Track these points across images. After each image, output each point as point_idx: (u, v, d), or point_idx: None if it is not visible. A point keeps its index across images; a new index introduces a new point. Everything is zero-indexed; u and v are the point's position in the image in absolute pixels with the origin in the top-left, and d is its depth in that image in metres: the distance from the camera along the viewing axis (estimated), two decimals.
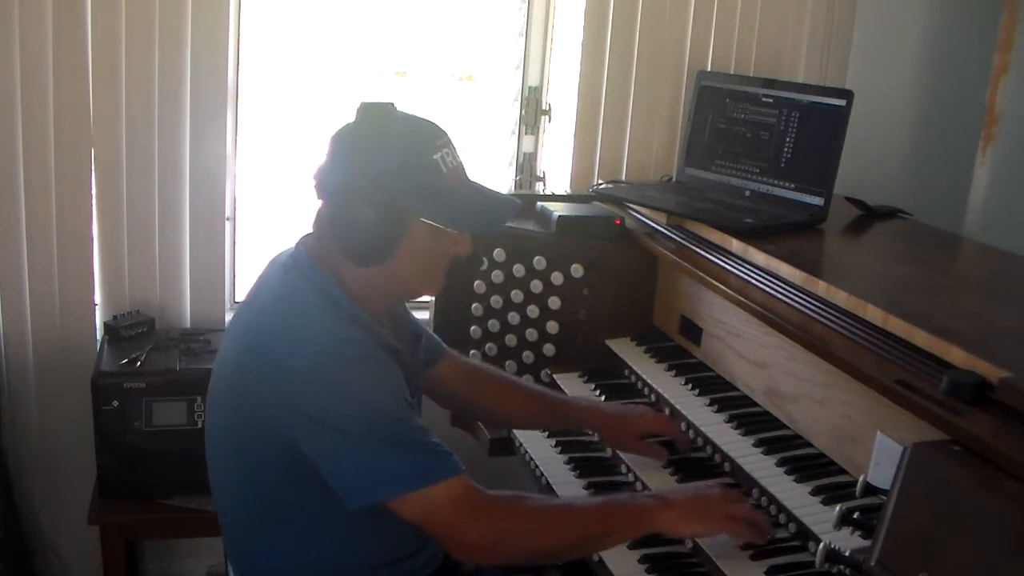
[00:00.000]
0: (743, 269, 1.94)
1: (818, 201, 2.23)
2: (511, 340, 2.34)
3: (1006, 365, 1.37)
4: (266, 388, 1.47)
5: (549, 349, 2.32)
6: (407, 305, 1.83)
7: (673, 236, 2.18)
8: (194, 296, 2.54)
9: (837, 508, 1.38)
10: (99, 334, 2.46)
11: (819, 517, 1.53)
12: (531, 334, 2.32)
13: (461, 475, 1.48)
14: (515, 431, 2.11)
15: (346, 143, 1.53)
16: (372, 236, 1.49)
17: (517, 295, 2.32)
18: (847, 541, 1.39)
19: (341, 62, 2.89)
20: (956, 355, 1.44)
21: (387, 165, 1.50)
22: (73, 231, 2.37)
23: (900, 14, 2.90)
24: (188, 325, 2.54)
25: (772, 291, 1.81)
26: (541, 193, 2.76)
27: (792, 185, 2.30)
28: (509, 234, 2.27)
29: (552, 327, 2.31)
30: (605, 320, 2.29)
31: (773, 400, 1.86)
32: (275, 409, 1.46)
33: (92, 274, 2.42)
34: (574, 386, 2.21)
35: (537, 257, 2.30)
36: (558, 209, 2.36)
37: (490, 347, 2.35)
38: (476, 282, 2.33)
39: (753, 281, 1.88)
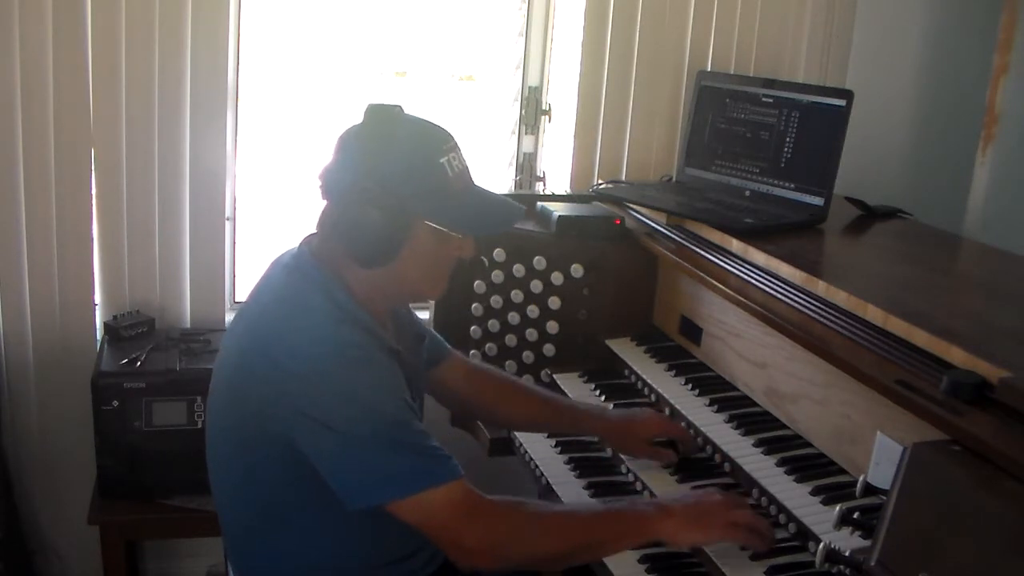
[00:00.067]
0: (743, 269, 1.94)
1: (818, 201, 2.24)
2: (511, 340, 2.34)
3: (1006, 365, 1.37)
4: (267, 389, 1.47)
5: (549, 349, 2.32)
6: (410, 306, 1.83)
7: (673, 236, 2.18)
8: (194, 296, 2.54)
9: (837, 508, 1.38)
10: (99, 334, 2.46)
11: (819, 517, 1.53)
12: (531, 334, 2.32)
13: (460, 479, 1.48)
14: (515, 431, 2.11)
15: (353, 144, 1.53)
16: (377, 238, 1.49)
17: (517, 295, 2.32)
18: (847, 541, 1.39)
19: (341, 62, 2.89)
20: (956, 355, 1.44)
21: (394, 167, 1.50)
22: (73, 231, 2.37)
23: (900, 14, 2.90)
24: (188, 325, 2.54)
25: (772, 291, 1.81)
26: (541, 193, 2.76)
27: (792, 185, 2.30)
28: (509, 234, 2.27)
29: (552, 327, 2.31)
30: (605, 320, 2.29)
31: (773, 400, 1.86)
32: (276, 410, 1.46)
33: (92, 274, 2.42)
34: (574, 386, 2.21)
35: (537, 257, 2.30)
36: (558, 209, 2.36)
37: (490, 347, 2.35)
38: (476, 282, 2.33)
39: (753, 281, 1.88)
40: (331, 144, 1.56)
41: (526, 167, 2.91)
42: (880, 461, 1.50)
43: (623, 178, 2.69)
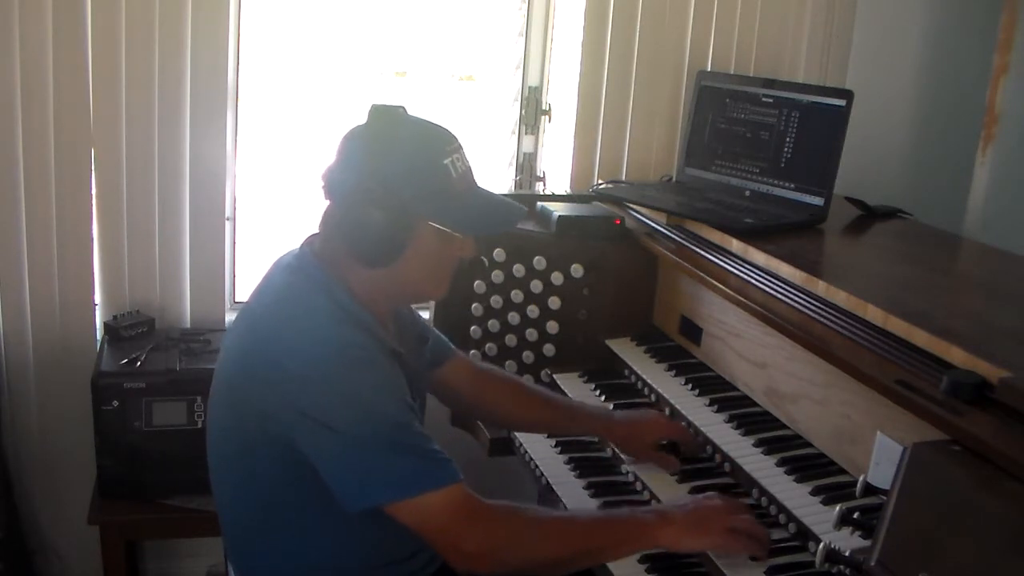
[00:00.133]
0: (743, 269, 1.94)
1: (818, 201, 2.24)
2: (511, 340, 2.34)
3: (1006, 365, 1.37)
4: (268, 389, 1.47)
5: (549, 349, 2.32)
6: (411, 306, 1.83)
7: (673, 236, 2.18)
8: (194, 296, 2.54)
9: (837, 508, 1.38)
10: (99, 334, 2.46)
11: (819, 517, 1.53)
12: (531, 334, 2.32)
13: (459, 483, 1.48)
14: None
15: (356, 145, 1.53)
16: (380, 238, 1.49)
17: (517, 295, 2.32)
18: (847, 541, 1.39)
19: (341, 62, 2.89)
20: (956, 355, 1.44)
21: (397, 168, 1.50)
22: (73, 231, 2.37)
23: (900, 14, 2.90)
24: (188, 325, 2.54)
25: (772, 291, 1.81)
26: (541, 193, 2.76)
27: (792, 185, 2.30)
28: (509, 234, 2.27)
29: (552, 327, 2.31)
30: (605, 320, 2.29)
31: (773, 400, 1.86)
32: (276, 410, 1.46)
33: (92, 274, 2.42)
34: (574, 386, 2.21)
35: (537, 257, 2.30)
36: (558, 209, 2.36)
37: (490, 347, 2.35)
38: (476, 282, 2.33)
39: (753, 281, 1.88)
40: (333, 144, 1.56)
41: (526, 167, 2.91)
42: (880, 461, 1.50)
43: (623, 178, 2.69)
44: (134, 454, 2.28)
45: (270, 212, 3.03)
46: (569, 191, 2.70)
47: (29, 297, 2.37)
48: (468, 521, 1.48)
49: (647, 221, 2.31)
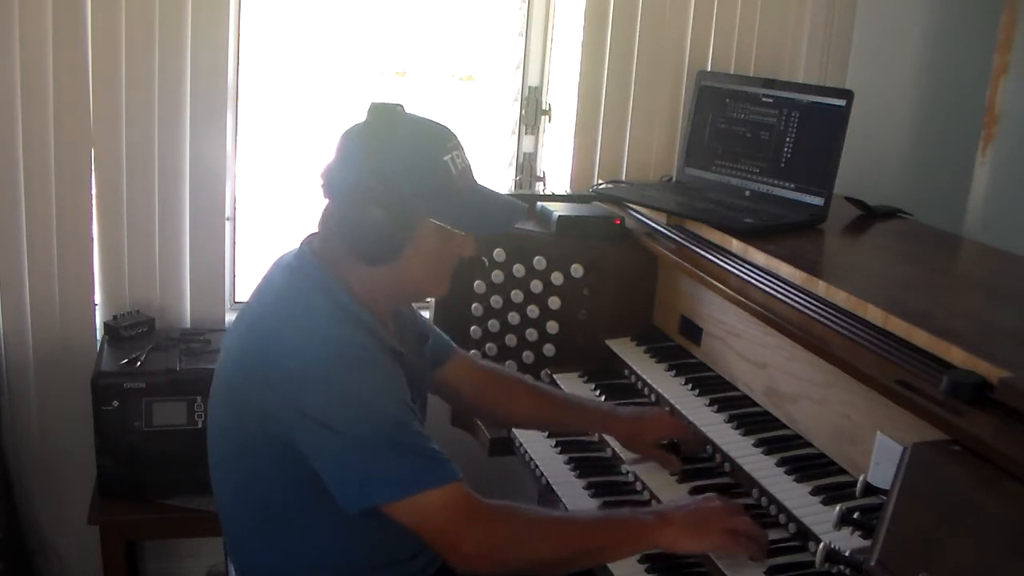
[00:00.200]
0: (743, 269, 1.94)
1: (818, 201, 2.24)
2: (511, 340, 2.34)
3: (1006, 365, 1.37)
4: (268, 389, 1.47)
5: (549, 349, 2.32)
6: (414, 306, 1.83)
7: (673, 236, 2.18)
8: (194, 296, 2.54)
9: (837, 508, 1.38)
10: (99, 334, 2.46)
11: (819, 517, 1.53)
12: (531, 334, 2.32)
13: (458, 482, 1.48)
14: (515, 431, 2.11)
15: (356, 143, 1.53)
16: (381, 236, 1.49)
17: (517, 295, 2.32)
18: (847, 541, 1.39)
19: (341, 62, 2.89)
20: (956, 355, 1.44)
21: (398, 166, 1.50)
22: (73, 231, 2.37)
23: (900, 14, 2.90)
24: (188, 325, 2.54)
25: (772, 291, 1.81)
26: (541, 193, 2.76)
27: (792, 185, 2.30)
28: (509, 234, 2.27)
29: (552, 327, 2.31)
30: (605, 320, 2.29)
31: (773, 400, 1.86)
32: (276, 410, 1.46)
33: (92, 274, 2.42)
34: (574, 386, 2.21)
35: (537, 257, 2.30)
36: (558, 209, 2.36)
37: (490, 347, 2.35)
38: (476, 282, 2.34)
39: (753, 281, 1.88)
40: (332, 143, 1.56)
41: (526, 167, 2.91)
42: (880, 461, 1.50)
43: (623, 178, 2.69)
44: (134, 454, 2.28)
45: (270, 212, 3.03)
46: (569, 191, 2.70)
47: (29, 297, 2.37)
48: (467, 520, 1.48)
49: (647, 221, 2.31)
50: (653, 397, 2.08)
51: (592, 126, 2.69)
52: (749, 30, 2.71)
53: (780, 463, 1.69)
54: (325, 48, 2.87)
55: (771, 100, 2.35)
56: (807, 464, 1.68)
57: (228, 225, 2.56)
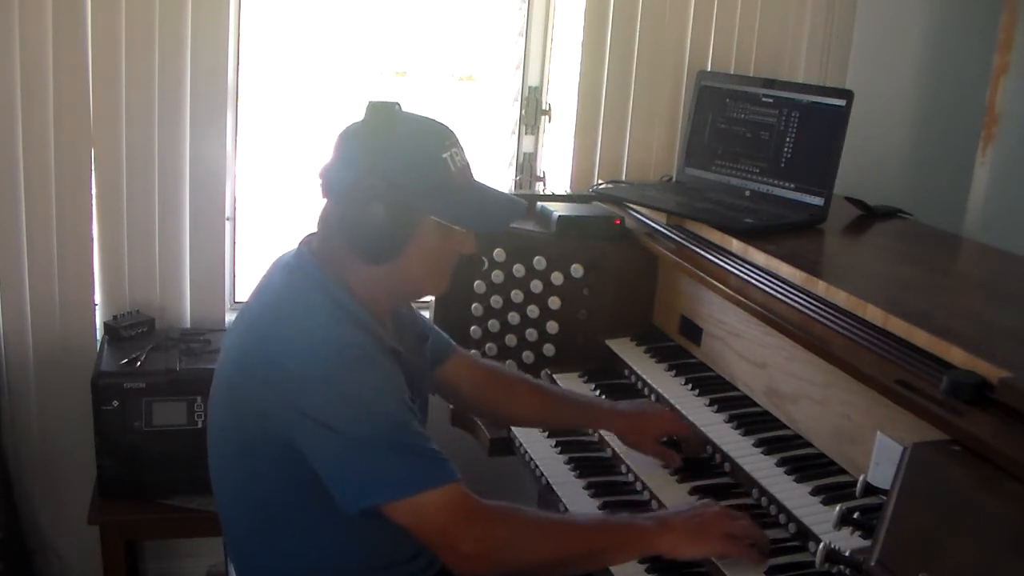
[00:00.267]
0: (743, 269, 1.94)
1: (818, 201, 2.24)
2: (511, 340, 2.34)
3: (1006, 365, 1.37)
4: (267, 389, 1.47)
5: (549, 349, 2.32)
6: (413, 306, 1.83)
7: (673, 236, 2.18)
8: (194, 296, 2.54)
9: (837, 508, 1.38)
10: (99, 334, 2.46)
11: (819, 517, 1.53)
12: (531, 334, 2.32)
13: (457, 483, 1.47)
14: (515, 431, 2.11)
15: (354, 142, 1.53)
16: (383, 234, 1.49)
17: (517, 295, 2.32)
18: (847, 541, 1.39)
19: (341, 62, 2.89)
20: (956, 355, 1.44)
21: (397, 164, 1.50)
22: (73, 231, 2.37)
23: (900, 14, 2.90)
24: (188, 325, 2.54)
25: (772, 291, 1.81)
26: (541, 193, 2.76)
27: (792, 185, 2.30)
28: (509, 234, 2.27)
29: (552, 327, 2.31)
30: (605, 320, 2.29)
31: (773, 400, 1.86)
32: (276, 410, 1.46)
33: (92, 274, 2.42)
34: (574, 386, 2.21)
35: (537, 257, 2.30)
36: (558, 209, 2.36)
37: (490, 347, 2.35)
38: (476, 282, 2.34)
39: (753, 281, 1.88)
40: (331, 143, 1.56)
41: (526, 167, 2.91)
42: (880, 461, 1.50)
43: (623, 178, 2.69)
44: (134, 454, 2.28)
45: (270, 212, 3.03)
46: (569, 191, 2.70)
47: (29, 297, 2.37)
48: (466, 521, 1.47)
49: (647, 221, 2.31)
50: (653, 397, 2.08)
51: (592, 126, 2.69)
52: (749, 30, 2.71)
53: (780, 463, 1.69)
54: (325, 48, 2.87)
55: (771, 100, 2.36)
56: (807, 464, 1.68)
57: (228, 225, 2.56)
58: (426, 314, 2.35)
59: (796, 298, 1.76)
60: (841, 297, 1.70)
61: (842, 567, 1.36)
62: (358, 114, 1.56)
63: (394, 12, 2.85)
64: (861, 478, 1.42)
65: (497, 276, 2.33)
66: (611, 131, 2.69)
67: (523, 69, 2.85)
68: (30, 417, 2.46)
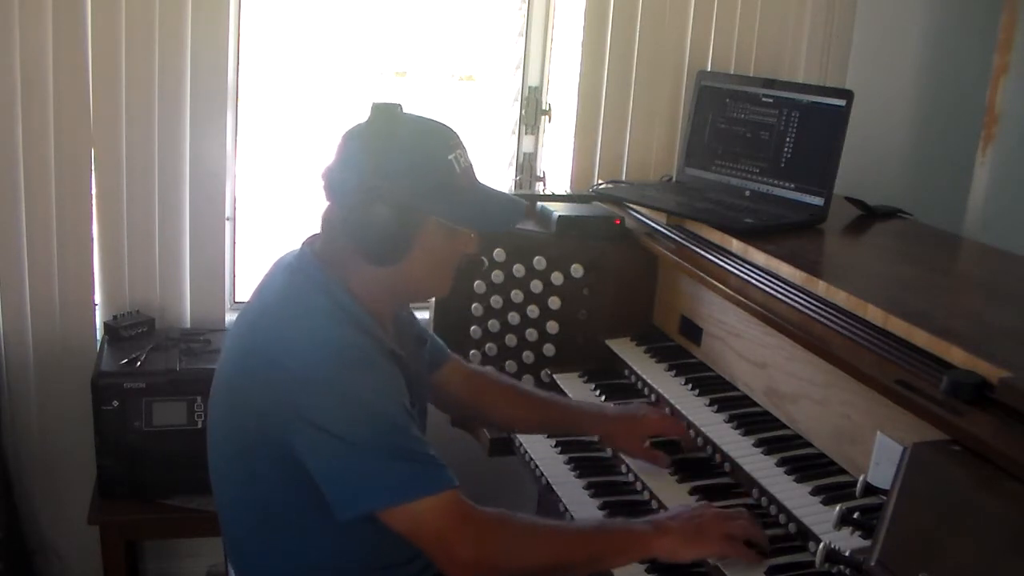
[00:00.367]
0: (743, 269, 1.94)
1: (818, 201, 2.24)
2: (511, 340, 2.34)
3: (1006, 365, 1.37)
4: (267, 390, 1.47)
5: (549, 349, 2.32)
6: (411, 308, 1.82)
7: (673, 236, 2.18)
8: (194, 296, 2.54)
9: (837, 508, 1.38)
10: (99, 334, 2.46)
11: (819, 517, 1.53)
12: (531, 334, 2.32)
13: (454, 489, 1.47)
14: None
15: (358, 143, 1.53)
16: (387, 235, 1.49)
17: (517, 295, 2.32)
18: (847, 541, 1.39)
19: (341, 62, 2.89)
20: (956, 355, 1.44)
21: (401, 165, 1.50)
22: (73, 231, 2.37)
23: (900, 14, 2.90)
24: (188, 325, 2.54)
25: (772, 291, 1.81)
26: (541, 193, 2.76)
27: (792, 185, 2.30)
28: (509, 234, 2.27)
29: (552, 327, 2.31)
30: (605, 320, 2.29)
31: (773, 400, 1.86)
32: (275, 411, 1.46)
33: (92, 274, 2.42)
34: (574, 386, 2.21)
35: (537, 257, 2.30)
36: (558, 209, 2.36)
37: (490, 347, 2.35)
38: (476, 282, 2.33)
39: (753, 281, 1.88)
40: (333, 144, 1.56)
41: (526, 167, 2.91)
42: (880, 461, 1.50)
43: (623, 178, 2.69)
44: (134, 454, 2.28)
45: (270, 212, 3.03)
46: (569, 191, 2.70)
47: (29, 297, 2.37)
48: (463, 528, 1.47)
49: (647, 221, 2.31)
50: (653, 397, 2.08)
51: (592, 126, 2.69)
52: (749, 30, 2.71)
53: (780, 463, 1.69)
54: (325, 48, 2.87)
55: (771, 100, 2.36)
56: (807, 464, 1.68)
57: (228, 225, 2.56)
58: (426, 314, 2.36)
59: (796, 298, 1.76)
60: (841, 297, 1.70)
61: (842, 567, 1.36)
62: (358, 114, 1.56)
63: (394, 12, 2.84)
64: (861, 478, 1.42)
65: (497, 276, 2.33)
66: (611, 131, 2.69)
67: (523, 69, 2.85)
68: (30, 417, 2.46)
